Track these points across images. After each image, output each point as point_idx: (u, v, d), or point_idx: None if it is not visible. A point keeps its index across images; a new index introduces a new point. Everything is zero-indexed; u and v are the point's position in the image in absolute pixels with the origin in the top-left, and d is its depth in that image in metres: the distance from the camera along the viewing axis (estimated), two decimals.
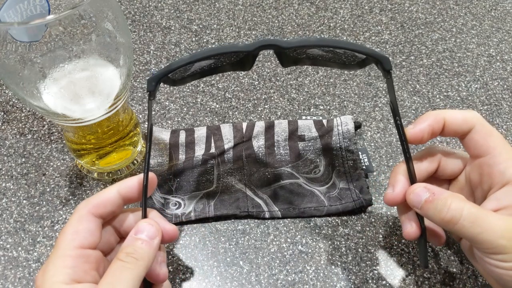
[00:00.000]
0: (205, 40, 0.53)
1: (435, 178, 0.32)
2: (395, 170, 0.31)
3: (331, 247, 0.36)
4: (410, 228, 0.30)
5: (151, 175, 0.30)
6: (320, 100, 0.47)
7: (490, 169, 0.28)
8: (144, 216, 0.29)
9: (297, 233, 0.37)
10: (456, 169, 0.31)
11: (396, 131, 0.29)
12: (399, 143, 0.43)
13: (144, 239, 0.27)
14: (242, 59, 0.30)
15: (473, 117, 0.29)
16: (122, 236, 0.31)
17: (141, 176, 0.29)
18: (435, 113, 0.30)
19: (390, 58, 0.51)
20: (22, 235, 0.37)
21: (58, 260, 0.25)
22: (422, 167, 0.31)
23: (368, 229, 0.37)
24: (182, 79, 0.32)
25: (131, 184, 0.29)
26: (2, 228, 0.37)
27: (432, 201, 0.27)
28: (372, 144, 0.43)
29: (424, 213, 0.28)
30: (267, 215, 0.38)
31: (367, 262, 0.35)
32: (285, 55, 0.30)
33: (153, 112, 0.46)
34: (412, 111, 0.46)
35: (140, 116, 0.46)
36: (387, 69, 0.28)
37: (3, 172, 0.41)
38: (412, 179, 0.29)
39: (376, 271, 0.35)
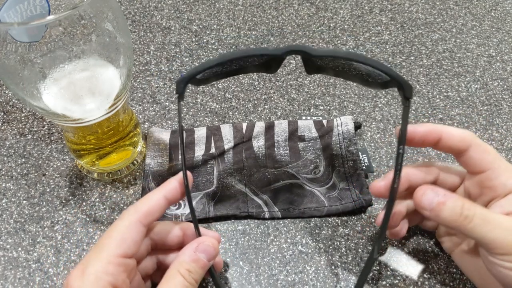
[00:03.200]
0: (205, 41, 0.53)
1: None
2: (391, 171, 0.32)
3: (331, 247, 0.36)
4: (380, 181, 0.31)
5: (189, 174, 0.30)
6: (320, 101, 0.47)
7: (492, 182, 0.29)
8: (197, 231, 0.29)
9: (297, 234, 0.37)
10: (455, 183, 0.32)
11: (396, 154, 0.29)
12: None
13: (204, 261, 0.27)
14: (269, 62, 0.30)
15: (469, 136, 0.31)
16: (155, 247, 0.31)
17: (180, 175, 0.29)
18: (434, 125, 0.31)
19: (390, 58, 0.51)
20: (22, 236, 0.37)
21: (100, 266, 0.25)
22: (420, 178, 0.32)
23: (368, 229, 0.37)
24: (207, 79, 0.32)
25: (174, 186, 0.29)
26: (2, 229, 0.37)
27: (445, 202, 0.28)
28: (372, 144, 0.43)
29: (435, 214, 0.28)
30: (267, 216, 0.38)
31: None
32: (311, 62, 0.30)
33: (153, 113, 0.46)
34: (412, 111, 0.46)
35: (140, 116, 0.46)
36: (407, 96, 0.29)
37: (3, 173, 0.41)
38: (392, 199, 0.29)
39: (376, 271, 0.35)
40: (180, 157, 0.41)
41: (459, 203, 0.27)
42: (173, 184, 0.29)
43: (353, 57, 0.28)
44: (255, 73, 0.49)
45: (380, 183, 0.31)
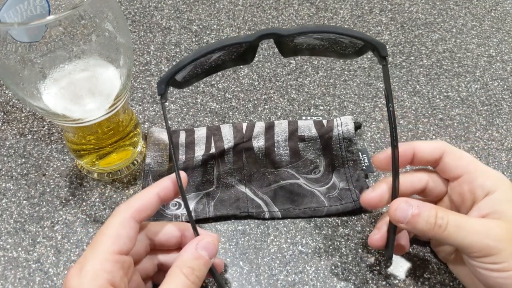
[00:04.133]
0: (205, 41, 0.53)
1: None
2: (380, 180, 0.32)
3: (331, 247, 0.36)
4: (375, 235, 0.32)
5: (183, 174, 0.30)
6: (320, 101, 0.47)
7: (470, 185, 0.30)
8: (195, 231, 0.29)
9: (297, 234, 0.37)
10: (443, 191, 0.33)
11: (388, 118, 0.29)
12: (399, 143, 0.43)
13: (206, 259, 0.27)
14: (244, 52, 0.30)
15: (441, 145, 0.31)
16: (154, 248, 0.31)
17: (173, 175, 0.29)
18: (405, 143, 0.32)
19: (390, 59, 0.51)
20: (22, 236, 0.37)
21: (97, 263, 0.25)
22: (409, 188, 0.32)
23: (368, 229, 0.37)
24: (188, 81, 0.32)
25: (167, 185, 0.29)
26: (2, 229, 0.37)
27: (419, 213, 0.28)
28: (372, 144, 0.43)
29: (411, 226, 0.29)
30: (267, 216, 0.38)
31: (367, 263, 0.35)
32: (285, 45, 0.30)
33: (153, 113, 0.46)
34: (412, 111, 0.46)
35: (140, 116, 0.46)
36: (383, 55, 0.29)
37: (3, 173, 0.41)
38: (395, 170, 0.30)
39: (376, 271, 0.35)
40: (180, 157, 0.41)
41: (432, 213, 0.28)
42: (166, 183, 0.29)
43: (323, 29, 0.28)
44: (254, 73, 0.49)
45: (370, 194, 0.31)
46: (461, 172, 0.30)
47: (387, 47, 0.52)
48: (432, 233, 0.28)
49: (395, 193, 0.30)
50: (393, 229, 0.31)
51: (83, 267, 0.25)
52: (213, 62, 0.31)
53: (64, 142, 0.43)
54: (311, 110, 0.46)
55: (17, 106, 0.47)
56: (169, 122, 0.45)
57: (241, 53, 0.31)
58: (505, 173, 0.41)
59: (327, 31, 0.28)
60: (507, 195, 0.29)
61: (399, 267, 0.35)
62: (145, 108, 0.46)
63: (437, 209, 0.28)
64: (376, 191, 0.31)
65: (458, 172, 0.31)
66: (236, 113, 0.46)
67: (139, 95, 0.48)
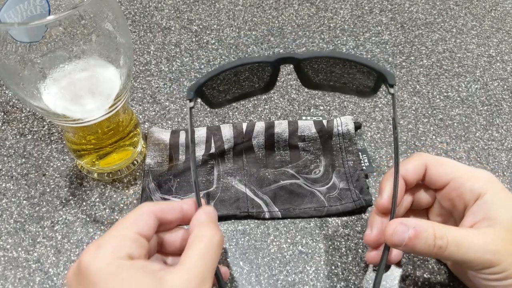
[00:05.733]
0: (205, 41, 0.53)
1: (412, 210, 0.34)
2: (372, 211, 0.32)
3: (331, 247, 0.36)
4: (371, 252, 0.32)
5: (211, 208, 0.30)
6: (320, 101, 0.47)
7: (458, 191, 0.30)
8: (199, 201, 0.29)
9: (297, 234, 0.37)
10: (430, 200, 0.33)
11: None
12: (400, 143, 0.43)
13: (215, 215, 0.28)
14: (265, 76, 0.32)
15: (422, 161, 0.31)
16: (160, 250, 0.31)
17: (202, 208, 0.29)
18: (387, 174, 0.31)
19: (390, 59, 0.51)
20: (22, 236, 0.37)
21: (116, 240, 0.25)
22: (410, 173, 0.32)
23: None
24: (219, 103, 0.33)
25: (190, 207, 0.29)
26: (2, 229, 0.37)
27: (417, 236, 0.27)
28: (372, 144, 0.43)
29: (410, 249, 0.28)
30: (267, 216, 0.38)
31: (367, 263, 0.35)
32: (304, 74, 0.31)
33: (153, 113, 0.46)
34: (412, 111, 0.46)
35: (140, 116, 0.46)
36: (391, 83, 0.29)
37: (3, 173, 0.41)
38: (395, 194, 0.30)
39: (376, 271, 0.35)
40: (180, 157, 0.41)
41: (430, 233, 0.27)
42: (189, 203, 0.29)
43: (336, 55, 0.29)
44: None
45: (370, 236, 0.31)
46: (447, 180, 0.30)
47: (387, 47, 0.52)
48: (433, 254, 0.27)
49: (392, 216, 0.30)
50: (386, 249, 0.30)
51: (101, 244, 0.25)
52: (241, 91, 0.33)
53: (64, 142, 0.43)
54: (311, 110, 0.46)
55: (17, 106, 0.47)
56: (169, 122, 0.45)
57: (265, 85, 0.32)
58: (505, 173, 0.41)
59: (339, 57, 0.29)
60: (497, 196, 0.29)
61: (399, 267, 0.35)
62: (145, 108, 0.46)
63: (435, 227, 0.27)
64: (373, 232, 0.31)
65: (444, 181, 0.31)
66: (236, 113, 0.46)
67: (139, 95, 0.48)
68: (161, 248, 0.30)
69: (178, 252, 0.29)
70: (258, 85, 0.33)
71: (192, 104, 0.30)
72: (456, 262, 0.28)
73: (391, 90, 0.29)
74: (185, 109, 0.46)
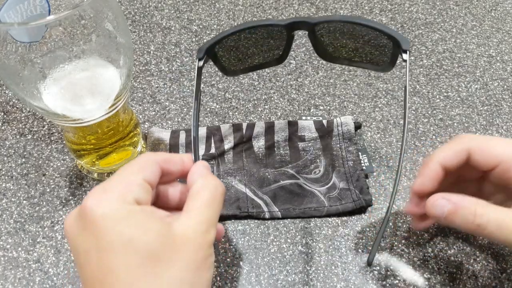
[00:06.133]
0: (205, 41, 0.53)
1: (462, 177, 0.32)
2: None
3: (331, 247, 0.36)
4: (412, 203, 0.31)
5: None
6: (320, 101, 0.47)
7: (509, 174, 0.29)
8: (196, 157, 0.30)
9: (297, 234, 0.37)
10: (490, 164, 0.30)
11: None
12: (400, 143, 0.43)
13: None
14: (281, 53, 0.32)
15: (463, 147, 0.30)
16: (154, 203, 0.30)
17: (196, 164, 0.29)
18: (430, 163, 0.30)
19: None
20: (22, 236, 0.37)
21: (122, 185, 0.24)
22: (449, 160, 0.30)
23: (368, 229, 0.37)
24: (234, 71, 0.33)
25: (190, 161, 0.29)
26: (2, 229, 0.37)
27: (456, 211, 0.27)
28: (372, 144, 0.43)
29: (449, 223, 0.28)
30: (267, 216, 0.38)
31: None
32: (319, 44, 0.31)
33: (153, 113, 0.46)
34: (412, 111, 0.46)
35: (140, 116, 0.46)
36: (404, 48, 0.28)
37: (3, 173, 0.41)
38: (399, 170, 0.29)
39: (376, 272, 0.35)
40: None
41: (471, 210, 0.27)
42: (190, 158, 0.29)
43: (348, 19, 0.29)
44: (254, 73, 0.49)
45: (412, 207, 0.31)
46: (494, 164, 0.29)
47: None
48: (472, 231, 0.27)
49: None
50: (382, 233, 0.30)
51: (107, 189, 0.24)
52: (250, 52, 0.32)
53: (64, 142, 0.43)
54: (311, 110, 0.46)
55: (17, 106, 0.47)
56: (169, 122, 0.45)
57: (277, 44, 0.32)
58: None
59: (352, 21, 0.28)
60: None
61: (399, 267, 0.35)
62: (145, 108, 0.46)
63: (476, 205, 0.27)
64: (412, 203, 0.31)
65: (491, 165, 0.29)
66: (236, 113, 0.46)
67: (139, 95, 0.48)
68: (157, 201, 0.29)
69: (173, 206, 0.29)
70: (272, 54, 0.33)
71: (201, 63, 0.29)
72: (497, 243, 0.27)
73: (405, 56, 0.29)
74: (185, 109, 0.46)
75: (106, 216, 0.23)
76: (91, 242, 0.23)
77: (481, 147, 0.29)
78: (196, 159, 0.29)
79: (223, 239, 0.37)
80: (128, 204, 0.24)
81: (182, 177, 0.29)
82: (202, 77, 0.49)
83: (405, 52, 0.28)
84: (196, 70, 0.30)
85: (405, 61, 0.29)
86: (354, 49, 0.31)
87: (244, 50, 0.32)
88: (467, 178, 0.32)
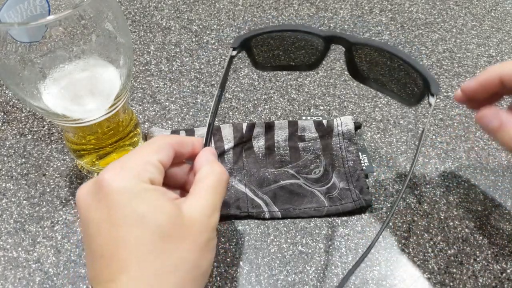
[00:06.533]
0: (205, 41, 0.53)
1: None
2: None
3: (331, 247, 0.36)
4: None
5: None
6: (320, 101, 0.47)
7: None
8: (207, 142, 0.31)
9: (297, 234, 0.37)
10: None
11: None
12: (400, 143, 0.43)
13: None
14: (314, 60, 0.33)
15: (493, 71, 0.29)
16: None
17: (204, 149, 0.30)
18: (490, 69, 0.30)
19: None
20: (22, 236, 0.37)
21: (139, 163, 0.25)
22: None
23: (368, 229, 0.37)
24: (263, 66, 0.34)
25: (200, 145, 0.30)
26: (2, 229, 0.37)
27: (501, 128, 0.28)
28: (372, 144, 0.43)
29: (494, 137, 0.29)
30: (267, 216, 0.38)
31: (367, 263, 0.35)
32: (353, 64, 0.32)
33: (153, 113, 0.46)
34: (412, 111, 0.46)
35: (140, 116, 0.46)
36: (432, 92, 0.29)
37: (3, 173, 0.41)
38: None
39: (376, 271, 0.35)
40: None
41: None
42: (200, 142, 0.30)
43: (386, 48, 0.29)
44: (254, 73, 0.49)
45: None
46: None
47: None
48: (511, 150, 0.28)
49: None
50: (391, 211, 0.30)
51: (124, 166, 0.25)
52: (284, 53, 0.33)
53: (64, 142, 0.43)
54: (311, 110, 0.46)
55: (17, 106, 0.47)
56: (169, 122, 0.45)
57: (312, 51, 0.32)
58: (505, 173, 0.41)
59: (389, 51, 0.29)
60: None
61: (399, 267, 0.35)
62: (145, 108, 0.46)
63: None
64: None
65: None
66: (236, 113, 0.46)
67: (139, 95, 0.48)
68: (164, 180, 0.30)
69: (178, 185, 0.30)
70: (305, 59, 0.33)
71: (234, 53, 0.30)
72: None
73: (431, 100, 0.29)
74: (185, 109, 0.46)
75: (122, 191, 0.24)
76: (105, 214, 0.24)
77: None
78: (206, 144, 0.30)
79: (223, 239, 0.37)
80: (143, 182, 0.25)
81: (190, 159, 0.30)
82: (202, 77, 0.49)
83: (432, 95, 0.29)
84: (229, 58, 0.31)
85: (430, 104, 0.29)
86: (385, 77, 0.31)
87: (279, 50, 0.33)
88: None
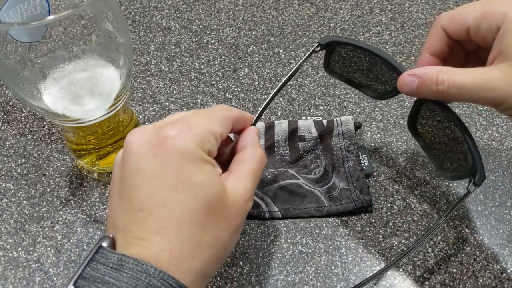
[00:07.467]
0: (205, 41, 0.53)
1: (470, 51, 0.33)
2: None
3: (331, 247, 0.36)
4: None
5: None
6: (320, 101, 0.47)
7: (478, 36, 0.29)
8: (257, 120, 0.31)
9: (297, 234, 0.37)
10: (461, 32, 0.30)
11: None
12: (400, 143, 0.43)
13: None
14: (384, 91, 0.34)
15: (436, 25, 0.31)
16: None
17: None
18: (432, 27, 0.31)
19: None
20: (22, 236, 0.37)
21: (204, 131, 0.25)
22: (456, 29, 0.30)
23: (368, 229, 0.37)
24: (333, 71, 0.35)
25: (250, 121, 0.30)
26: (2, 229, 0.37)
27: (422, 84, 0.28)
28: (372, 144, 0.43)
29: (420, 95, 0.29)
30: (267, 216, 0.38)
31: (367, 263, 0.35)
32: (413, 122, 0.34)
33: (153, 113, 0.46)
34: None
35: (140, 116, 0.46)
36: (477, 183, 0.29)
37: (3, 173, 0.41)
38: None
39: (376, 271, 0.35)
40: None
41: (433, 80, 0.28)
42: (252, 118, 0.30)
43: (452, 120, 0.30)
44: (254, 73, 0.50)
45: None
46: (464, 30, 0.29)
47: (387, 47, 0.52)
48: (440, 99, 0.28)
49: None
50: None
51: (192, 128, 0.25)
52: (360, 70, 0.34)
53: (64, 142, 0.43)
54: (311, 110, 0.46)
55: (17, 106, 0.47)
56: None
57: (387, 82, 0.34)
58: (505, 173, 0.41)
59: (461, 129, 0.30)
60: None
61: (399, 267, 0.35)
62: (145, 108, 0.46)
63: (437, 73, 0.28)
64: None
65: (462, 33, 0.30)
66: None
67: (139, 95, 0.48)
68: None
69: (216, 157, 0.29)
70: (375, 86, 0.34)
71: (318, 49, 0.31)
72: (466, 102, 0.28)
73: (471, 187, 0.29)
74: (185, 109, 0.46)
75: (184, 154, 0.24)
76: (159, 170, 0.23)
77: (452, 19, 0.30)
78: (255, 122, 0.31)
79: None
80: (203, 151, 0.25)
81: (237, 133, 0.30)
82: (202, 77, 0.49)
83: (475, 184, 0.29)
84: (310, 51, 0.32)
85: (468, 192, 0.29)
86: (441, 146, 0.32)
87: (356, 65, 0.34)
88: (470, 50, 0.32)
